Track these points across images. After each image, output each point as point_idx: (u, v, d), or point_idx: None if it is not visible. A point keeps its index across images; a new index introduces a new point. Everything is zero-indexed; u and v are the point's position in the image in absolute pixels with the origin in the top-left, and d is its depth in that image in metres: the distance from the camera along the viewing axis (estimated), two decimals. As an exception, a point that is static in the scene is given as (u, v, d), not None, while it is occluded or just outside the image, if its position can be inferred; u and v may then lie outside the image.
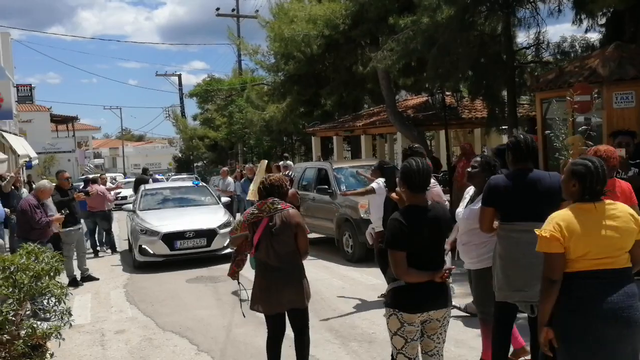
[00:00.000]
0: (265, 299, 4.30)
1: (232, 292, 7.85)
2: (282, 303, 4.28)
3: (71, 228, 8.77)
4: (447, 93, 14.87)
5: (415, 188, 3.37)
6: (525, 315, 4.07)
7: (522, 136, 4.02)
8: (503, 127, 13.38)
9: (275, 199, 4.26)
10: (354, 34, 15.59)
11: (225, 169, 17.06)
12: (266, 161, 8.75)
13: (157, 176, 26.49)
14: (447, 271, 3.31)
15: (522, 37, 12.77)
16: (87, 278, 9.16)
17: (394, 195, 3.99)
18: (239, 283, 4.97)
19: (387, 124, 16.17)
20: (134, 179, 29.77)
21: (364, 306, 6.85)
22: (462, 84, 13.47)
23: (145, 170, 16.67)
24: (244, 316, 5.19)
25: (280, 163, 12.83)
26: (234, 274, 4.94)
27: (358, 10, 15.04)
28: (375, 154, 21.60)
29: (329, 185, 10.45)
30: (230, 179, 15.52)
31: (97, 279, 9.22)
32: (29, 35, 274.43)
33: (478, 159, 4.55)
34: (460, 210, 4.57)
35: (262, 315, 6.58)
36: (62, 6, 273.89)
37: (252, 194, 8.72)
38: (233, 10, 34.58)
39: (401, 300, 3.37)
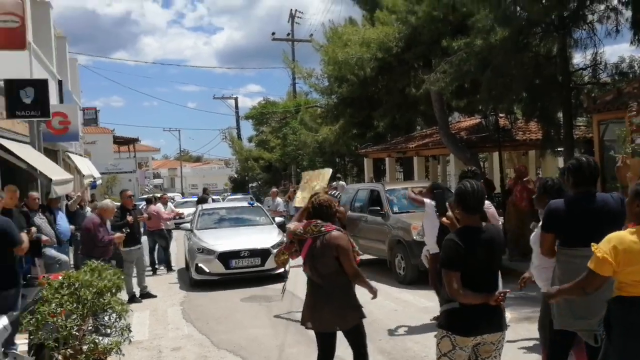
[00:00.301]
0: (310, 316, 4.36)
1: (286, 312, 7.96)
2: (325, 322, 4.30)
3: (132, 247, 9.11)
4: (501, 115, 14.65)
5: (470, 209, 3.41)
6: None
7: (584, 159, 3.88)
8: (559, 149, 13.05)
9: (319, 221, 4.30)
10: (407, 57, 15.65)
11: (275, 190, 17.41)
12: (331, 170, 8.63)
13: (213, 197, 27.20)
14: (501, 294, 3.29)
15: (579, 58, 12.43)
16: (146, 295, 9.45)
17: (444, 220, 4.03)
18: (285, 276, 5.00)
19: (439, 145, 16.05)
20: (190, 199, 30.66)
21: (416, 329, 6.80)
22: (516, 106, 13.26)
23: (205, 190, 17.32)
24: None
25: (333, 183, 12.95)
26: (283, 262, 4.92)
27: (411, 33, 15.12)
28: (428, 176, 21.41)
29: (381, 207, 10.46)
30: (279, 200, 15.82)
31: (155, 296, 9.50)
32: (95, 61, 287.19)
33: (544, 181, 4.53)
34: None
35: (313, 335, 6.71)
36: (126, 33, 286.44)
37: (301, 200, 8.64)
38: (288, 34, 35.32)
39: (455, 322, 3.37)
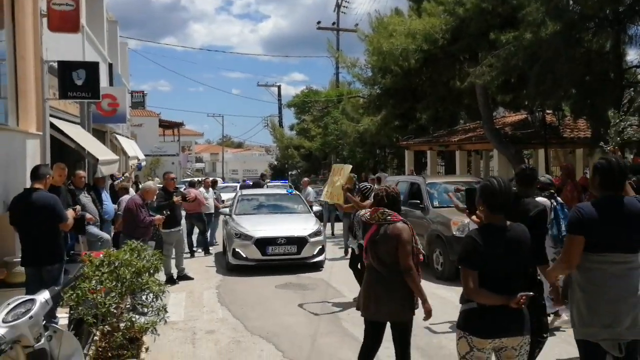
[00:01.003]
0: (367, 304, 4.35)
1: (320, 301, 8.01)
2: (381, 312, 4.30)
3: (172, 229, 9.28)
4: (548, 111, 14.28)
5: (495, 208, 3.29)
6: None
7: (614, 159, 3.67)
8: (608, 148, 12.63)
9: (386, 210, 4.35)
10: (453, 49, 15.37)
11: (306, 179, 17.52)
12: (351, 166, 8.72)
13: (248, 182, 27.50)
14: (523, 297, 3.16)
15: (633, 55, 12.02)
16: (183, 277, 9.63)
17: (474, 218, 3.91)
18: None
19: (483, 140, 15.79)
20: (230, 184, 31.01)
21: (452, 326, 6.72)
22: (565, 102, 12.89)
23: (262, 176, 17.55)
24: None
25: (376, 175, 12.90)
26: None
27: (458, 25, 14.83)
28: (470, 171, 21.10)
29: (421, 200, 10.35)
30: (310, 189, 15.89)
31: (192, 279, 9.67)
32: (145, 46, 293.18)
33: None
34: None
35: (347, 326, 6.72)
36: (176, 19, 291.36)
37: (326, 195, 8.66)
38: (333, 23, 35.14)
39: (472, 323, 3.29)
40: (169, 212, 8.86)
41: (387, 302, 4.26)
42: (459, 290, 7.99)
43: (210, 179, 15.86)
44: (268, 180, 21.12)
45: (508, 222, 3.33)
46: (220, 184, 31.07)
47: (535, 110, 13.09)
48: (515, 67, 11.72)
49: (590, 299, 3.50)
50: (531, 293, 3.26)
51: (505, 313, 3.19)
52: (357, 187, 11.58)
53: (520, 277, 3.33)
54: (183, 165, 44.20)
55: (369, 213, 4.52)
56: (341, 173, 8.94)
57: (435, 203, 10.24)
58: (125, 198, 10.48)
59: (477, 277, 3.20)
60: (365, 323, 4.50)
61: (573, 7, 11.21)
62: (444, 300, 8.11)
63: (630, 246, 3.45)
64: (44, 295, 3.44)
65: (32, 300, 3.34)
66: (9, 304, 3.30)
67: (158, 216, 8.16)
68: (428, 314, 4.26)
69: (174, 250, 9.59)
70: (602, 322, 3.43)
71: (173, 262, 9.67)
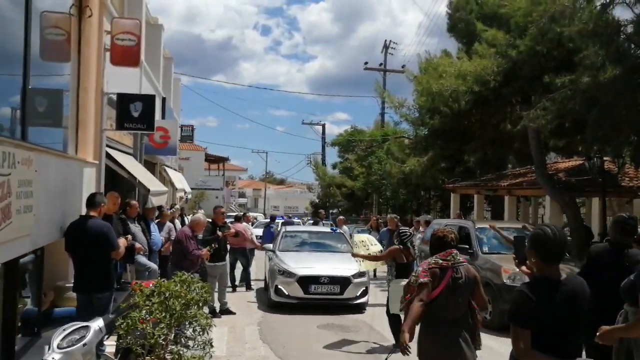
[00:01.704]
0: (448, 354, 4.19)
1: (364, 342, 7.82)
2: (459, 356, 4.19)
3: (217, 263, 9.27)
4: (606, 158, 13.83)
5: (549, 258, 3.00)
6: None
7: (626, 215, 4.15)
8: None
9: (456, 251, 4.32)
10: (504, 91, 15.16)
11: (341, 217, 17.41)
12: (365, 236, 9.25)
13: (295, 219, 27.58)
14: None
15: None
16: (226, 311, 9.56)
17: (524, 269, 3.73)
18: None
19: (534, 186, 15.39)
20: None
21: (501, 378, 6.41)
22: (625, 149, 12.45)
23: (318, 214, 17.53)
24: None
25: (420, 218, 12.70)
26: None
27: (511, 67, 14.65)
28: (519, 217, 20.57)
29: (470, 245, 10.07)
30: (345, 228, 15.71)
31: (234, 313, 9.58)
32: (195, 82, 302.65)
33: None
34: None
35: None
36: (227, 57, 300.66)
37: (364, 265, 8.94)
38: (380, 64, 35.50)
39: None
40: (216, 246, 8.86)
41: (468, 349, 4.22)
42: (508, 342, 7.65)
43: (251, 214, 15.99)
44: (308, 219, 21.04)
45: (563, 275, 3.04)
46: (261, 219, 31.32)
47: (593, 157, 12.70)
48: (571, 111, 11.44)
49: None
50: None
51: None
52: (397, 230, 11.44)
53: (578, 337, 3.04)
54: (227, 199, 44.69)
55: (438, 257, 4.30)
56: (371, 242, 9.17)
57: (485, 249, 9.96)
58: (169, 225, 10.63)
59: (529, 336, 2.87)
60: None
61: (634, 50, 10.95)
62: (492, 351, 7.74)
63: None
64: (98, 323, 3.41)
65: (87, 327, 3.32)
66: (64, 330, 3.28)
67: (205, 250, 8.16)
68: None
69: (217, 284, 9.55)
70: None
71: (215, 295, 9.61)
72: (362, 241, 8.97)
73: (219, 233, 9.24)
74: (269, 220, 17.67)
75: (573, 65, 12.61)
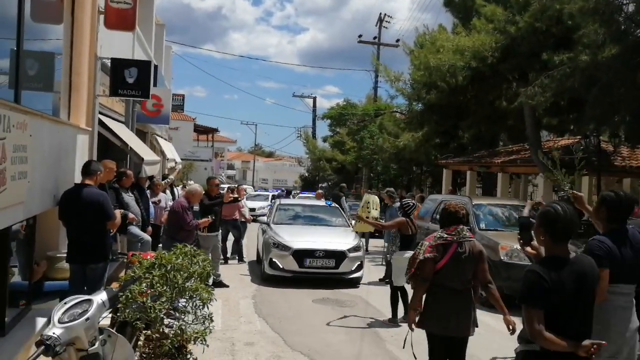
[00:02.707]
0: (445, 322, 4.36)
1: (361, 317, 7.75)
2: (460, 327, 4.38)
3: (209, 233, 9.14)
4: (602, 137, 13.77)
5: (559, 237, 2.96)
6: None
7: (622, 193, 3.93)
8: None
9: (463, 227, 4.46)
10: (501, 68, 15.02)
11: (320, 191, 17.35)
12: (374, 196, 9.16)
13: (305, 193, 27.61)
14: (594, 346, 2.78)
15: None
16: (219, 284, 9.42)
17: (529, 249, 3.71)
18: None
19: (528, 163, 15.33)
20: (262, 192, 30.95)
21: (500, 356, 6.38)
22: (622, 128, 12.39)
23: (342, 188, 17.30)
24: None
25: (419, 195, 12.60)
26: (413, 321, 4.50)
27: (509, 43, 14.49)
28: (510, 194, 20.61)
29: (467, 222, 9.99)
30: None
31: (227, 286, 9.47)
32: (184, 51, 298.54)
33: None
34: None
35: (392, 349, 6.43)
36: (217, 27, 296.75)
37: (358, 225, 9.12)
38: (374, 38, 35.08)
39: None
40: (214, 217, 8.73)
41: (465, 317, 4.38)
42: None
43: (244, 186, 15.78)
44: (297, 192, 20.79)
45: (572, 254, 3.01)
46: (251, 192, 31.18)
47: (589, 135, 12.66)
48: (570, 89, 11.34)
49: (602, 329, 3.49)
50: (604, 342, 2.89)
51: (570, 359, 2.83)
52: (394, 201, 11.38)
53: (589, 318, 2.99)
54: (215, 171, 44.40)
55: (444, 232, 4.44)
56: (375, 206, 9.21)
57: (482, 225, 9.90)
58: (163, 196, 10.44)
59: (542, 316, 2.82)
60: (436, 342, 4.45)
61: (635, 29, 10.81)
62: (490, 328, 7.72)
63: (633, 277, 3.71)
64: (101, 297, 3.26)
65: (89, 301, 3.16)
66: (65, 303, 3.12)
67: (204, 219, 8.02)
68: (511, 325, 4.23)
69: (210, 256, 9.42)
70: (608, 351, 3.48)
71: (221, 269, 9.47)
72: (368, 202, 9.11)
73: (226, 196, 9.12)
74: (284, 193, 17.67)
75: (572, 43, 12.48)
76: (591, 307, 2.99)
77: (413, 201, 8.36)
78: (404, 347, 4.84)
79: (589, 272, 2.97)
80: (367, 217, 10.47)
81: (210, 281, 9.12)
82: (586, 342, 2.80)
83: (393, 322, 7.58)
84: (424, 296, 4.52)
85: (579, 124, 13.95)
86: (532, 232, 3.55)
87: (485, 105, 16.78)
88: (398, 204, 10.39)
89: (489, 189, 19.80)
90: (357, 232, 11.38)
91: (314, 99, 48.35)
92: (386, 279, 9.69)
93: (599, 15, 10.95)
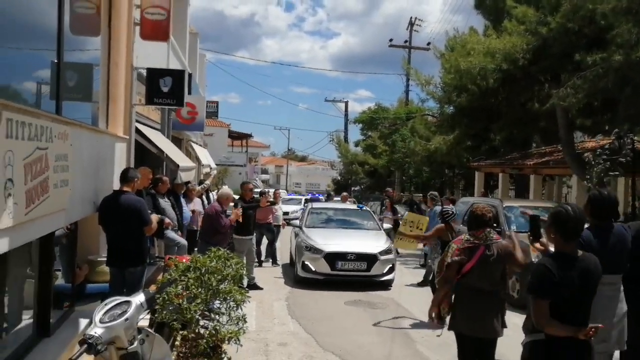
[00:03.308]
0: (472, 323, 4.43)
1: (392, 319, 7.86)
2: (488, 329, 4.43)
3: (244, 237, 9.33)
4: (636, 137, 13.48)
5: (568, 236, 3.20)
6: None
7: (605, 192, 4.33)
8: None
9: (490, 229, 4.51)
10: (533, 70, 14.87)
11: (345, 194, 17.48)
12: (427, 218, 9.27)
13: (318, 196, 27.73)
14: (592, 329, 3.04)
15: None
16: (253, 286, 9.58)
17: (537, 246, 3.94)
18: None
19: (561, 165, 15.13)
20: (295, 197, 31.18)
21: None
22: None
23: (387, 191, 17.52)
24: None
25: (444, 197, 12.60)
26: (439, 317, 4.76)
27: (541, 45, 14.34)
28: (543, 196, 20.33)
29: (498, 224, 9.93)
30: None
31: (262, 289, 9.63)
32: (218, 59, 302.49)
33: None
34: None
35: (422, 350, 6.49)
36: (250, 34, 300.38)
37: (398, 243, 9.27)
38: (405, 42, 35.04)
39: (539, 354, 3.22)
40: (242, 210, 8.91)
41: (494, 319, 4.42)
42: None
43: (280, 191, 16.00)
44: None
45: (580, 252, 3.25)
46: (284, 196, 31.46)
47: (623, 136, 12.43)
48: (603, 89, 11.20)
49: (591, 317, 3.59)
50: (600, 325, 3.17)
51: (573, 345, 3.10)
52: (435, 204, 11.38)
53: (589, 309, 3.26)
54: (250, 176, 44.89)
55: (472, 235, 4.51)
56: (419, 225, 9.33)
57: (513, 227, 9.84)
58: (198, 201, 10.69)
59: (547, 306, 3.11)
60: (467, 344, 4.50)
61: (669, 28, 10.62)
62: (518, 328, 7.71)
63: (617, 268, 4.07)
64: (139, 298, 3.44)
65: (128, 302, 3.34)
66: (106, 304, 3.31)
67: (235, 211, 8.20)
68: None
69: (244, 259, 9.60)
70: (599, 336, 3.59)
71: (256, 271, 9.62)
72: (412, 221, 9.31)
73: (263, 200, 9.35)
74: (324, 196, 17.96)
75: (605, 43, 12.28)
76: (591, 299, 3.28)
77: (453, 209, 8.36)
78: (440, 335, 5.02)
79: (593, 269, 3.22)
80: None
81: (245, 283, 9.38)
82: (587, 327, 3.07)
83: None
84: (452, 297, 4.63)
85: (613, 124, 13.70)
86: (542, 229, 3.83)
87: (516, 108, 16.62)
88: (438, 208, 10.51)
89: (522, 191, 19.58)
90: (388, 235, 11.42)
91: (346, 103, 48.44)
92: (426, 283, 9.76)
93: (632, 15, 10.81)
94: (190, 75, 15.61)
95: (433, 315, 4.71)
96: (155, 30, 7.92)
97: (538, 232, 3.92)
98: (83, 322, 5.52)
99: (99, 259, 6.42)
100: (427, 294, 9.79)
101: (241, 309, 4.85)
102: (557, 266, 3.11)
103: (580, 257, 3.21)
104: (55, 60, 5.21)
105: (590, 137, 19.53)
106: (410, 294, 9.85)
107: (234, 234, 9.31)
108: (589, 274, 3.17)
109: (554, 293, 3.09)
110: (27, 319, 4.96)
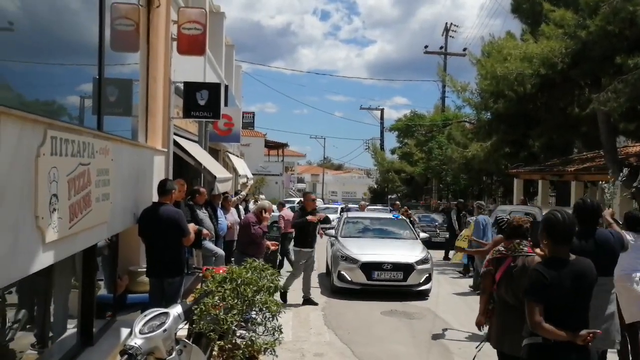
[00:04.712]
0: (501, 337, 4.37)
1: (429, 330, 7.78)
2: (517, 345, 4.16)
3: (302, 248, 9.33)
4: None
5: (559, 241, 3.27)
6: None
7: (588, 200, 4.70)
8: None
9: (524, 241, 4.45)
10: (572, 74, 14.55)
11: (363, 202, 17.36)
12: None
13: (350, 205, 27.70)
14: (590, 334, 3.07)
15: None
16: (308, 301, 9.40)
17: (537, 251, 4.06)
18: (484, 339, 4.76)
19: (604, 171, 14.73)
20: (331, 205, 31.21)
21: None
22: None
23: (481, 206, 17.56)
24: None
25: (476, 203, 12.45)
26: (481, 323, 4.78)
27: (579, 48, 14.03)
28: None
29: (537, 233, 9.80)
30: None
31: (317, 304, 9.34)
32: (254, 69, 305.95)
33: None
34: None
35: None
36: (286, 43, 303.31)
37: (456, 256, 9.46)
38: (441, 48, 34.80)
39: (536, 357, 3.27)
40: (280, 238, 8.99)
41: (518, 335, 4.17)
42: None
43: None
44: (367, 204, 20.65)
45: (573, 256, 3.31)
46: (320, 205, 31.54)
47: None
48: (646, 93, 10.88)
49: None
50: (599, 331, 3.22)
51: (570, 349, 3.13)
52: (480, 212, 11.25)
53: (585, 313, 3.29)
54: (286, 185, 45.23)
55: (503, 246, 4.50)
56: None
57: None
58: (233, 212, 10.81)
59: (542, 310, 3.16)
60: (498, 355, 4.48)
61: None
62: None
63: (604, 270, 4.20)
64: (177, 310, 3.52)
65: (166, 314, 3.42)
66: (145, 316, 3.40)
67: (271, 243, 8.33)
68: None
69: (301, 271, 9.41)
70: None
71: (296, 282, 9.49)
72: (467, 236, 9.47)
73: (311, 217, 9.26)
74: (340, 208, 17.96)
75: (647, 45, 11.97)
76: (587, 302, 3.30)
77: (507, 216, 8.22)
78: None
79: (587, 272, 3.28)
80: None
81: (302, 299, 9.21)
82: (583, 332, 3.09)
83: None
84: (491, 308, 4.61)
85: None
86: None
87: (556, 113, 16.29)
88: (481, 217, 10.48)
89: (563, 198, 19.14)
90: (425, 245, 11.32)
91: (382, 111, 48.39)
92: (477, 287, 9.69)
93: (674, 16, 10.49)
94: (226, 87, 15.88)
95: (481, 325, 4.71)
96: (192, 45, 8.09)
97: (537, 238, 3.99)
98: (124, 331, 5.65)
99: (139, 270, 6.57)
100: (464, 304, 9.72)
101: (277, 320, 4.90)
102: (548, 270, 3.20)
103: (573, 260, 3.27)
104: (97, 76, 5.39)
105: (634, 141, 18.97)
106: (447, 304, 9.75)
107: (294, 245, 9.32)
108: (582, 277, 3.22)
109: (546, 296, 3.16)
110: (71, 328, 5.12)
